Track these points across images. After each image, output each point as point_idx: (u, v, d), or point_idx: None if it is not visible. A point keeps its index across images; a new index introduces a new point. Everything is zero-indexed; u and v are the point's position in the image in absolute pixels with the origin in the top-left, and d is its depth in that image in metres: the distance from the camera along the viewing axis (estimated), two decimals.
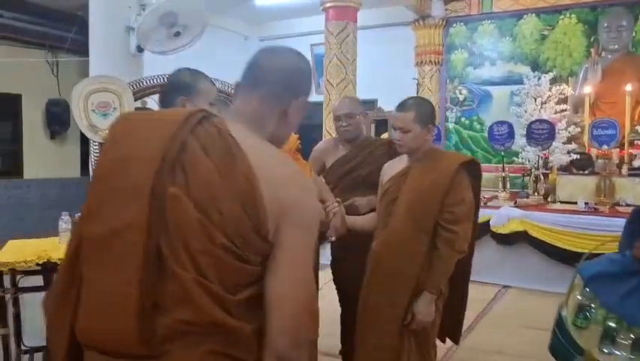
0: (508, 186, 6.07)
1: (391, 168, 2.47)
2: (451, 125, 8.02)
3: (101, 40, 3.38)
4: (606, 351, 1.46)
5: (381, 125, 8.53)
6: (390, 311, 2.27)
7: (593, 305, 1.56)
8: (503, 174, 6.07)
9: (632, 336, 1.42)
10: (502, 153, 6.24)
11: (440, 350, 2.67)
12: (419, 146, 2.32)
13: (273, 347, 1.06)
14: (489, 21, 7.76)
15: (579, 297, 1.63)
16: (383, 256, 2.33)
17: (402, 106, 2.33)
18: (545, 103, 6.48)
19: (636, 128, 6.07)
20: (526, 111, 6.46)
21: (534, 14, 7.40)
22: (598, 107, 6.65)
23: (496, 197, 5.90)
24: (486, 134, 6.65)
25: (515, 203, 5.59)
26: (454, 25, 8.00)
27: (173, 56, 3.48)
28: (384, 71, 7.99)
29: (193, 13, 3.35)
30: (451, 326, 2.53)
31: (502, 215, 5.33)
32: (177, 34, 3.29)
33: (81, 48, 6.05)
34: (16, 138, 7.40)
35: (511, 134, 6.11)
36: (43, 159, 7.50)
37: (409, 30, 8.14)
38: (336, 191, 2.74)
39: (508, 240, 5.36)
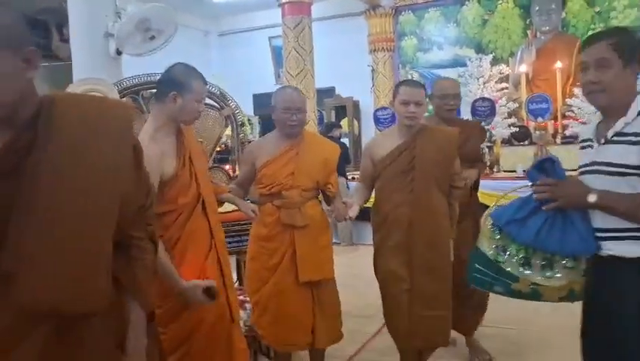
0: None
1: (383, 144, 2.72)
2: None
3: (82, 46, 3.72)
4: (527, 273, 1.78)
5: (340, 110, 9.04)
6: (441, 261, 2.60)
7: (507, 245, 1.95)
8: None
9: (541, 259, 1.75)
10: None
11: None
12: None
13: None
14: (435, 8, 8.33)
15: (493, 242, 1.87)
16: (421, 216, 2.59)
17: (414, 83, 2.67)
18: (487, 83, 7.09)
19: (567, 101, 6.74)
20: (470, 91, 7.06)
21: (475, 1, 8.00)
22: (534, 83, 7.31)
23: None
24: None
25: None
26: (403, 13, 8.54)
27: (145, 57, 3.87)
28: (341, 60, 8.48)
29: (165, 18, 3.75)
30: None
31: None
32: (152, 37, 3.69)
33: (49, 53, 6.26)
34: None
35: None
36: None
37: (361, 20, 8.63)
38: None
39: None
